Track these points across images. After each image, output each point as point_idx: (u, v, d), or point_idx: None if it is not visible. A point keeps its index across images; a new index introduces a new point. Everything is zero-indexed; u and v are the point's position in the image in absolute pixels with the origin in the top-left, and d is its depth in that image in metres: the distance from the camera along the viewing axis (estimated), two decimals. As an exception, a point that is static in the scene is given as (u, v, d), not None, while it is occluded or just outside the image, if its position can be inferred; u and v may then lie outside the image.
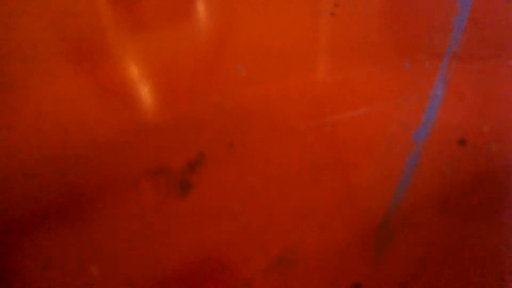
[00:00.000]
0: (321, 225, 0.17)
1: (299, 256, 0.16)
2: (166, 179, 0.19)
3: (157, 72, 0.25)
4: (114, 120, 0.22)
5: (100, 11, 0.30)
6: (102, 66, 0.25)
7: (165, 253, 0.16)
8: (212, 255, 0.16)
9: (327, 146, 0.20)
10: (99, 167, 0.20)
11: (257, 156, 0.20)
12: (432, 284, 0.16)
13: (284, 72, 0.25)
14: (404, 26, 0.29)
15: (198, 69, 0.25)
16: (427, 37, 0.28)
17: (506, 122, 0.22)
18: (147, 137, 0.21)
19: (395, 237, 0.17)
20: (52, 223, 0.17)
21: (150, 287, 0.15)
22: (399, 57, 0.26)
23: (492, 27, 0.29)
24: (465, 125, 0.22)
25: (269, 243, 0.17)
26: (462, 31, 0.28)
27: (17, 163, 0.20)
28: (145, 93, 0.24)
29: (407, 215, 0.18)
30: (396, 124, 0.22)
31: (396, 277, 0.16)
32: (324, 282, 0.15)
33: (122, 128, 0.21)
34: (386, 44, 0.27)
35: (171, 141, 0.21)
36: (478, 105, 0.23)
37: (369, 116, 0.22)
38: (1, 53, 0.26)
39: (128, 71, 0.25)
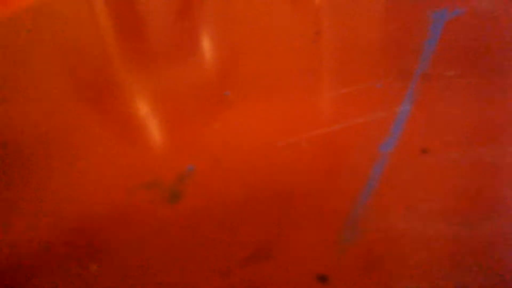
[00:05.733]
0: (293, 225, 0.20)
1: (272, 251, 0.19)
2: (158, 191, 0.22)
3: (154, 101, 0.28)
4: (114, 142, 0.25)
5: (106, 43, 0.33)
6: (106, 96, 0.28)
7: (157, 252, 0.19)
8: (197, 253, 0.19)
9: (302, 159, 0.23)
10: (101, 185, 0.22)
11: (240, 169, 0.23)
12: (391, 269, 0.18)
13: (266, 95, 0.28)
14: (378, 51, 0.32)
15: (190, 95, 0.28)
16: (399, 60, 0.31)
17: (467, 132, 0.24)
18: (142, 153, 0.24)
19: (359, 233, 0.19)
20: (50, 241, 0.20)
21: (142, 282, 0.18)
22: (373, 78, 0.29)
23: (460, 49, 0.32)
24: (428, 136, 0.24)
25: (247, 241, 0.19)
26: (431, 52, 0.31)
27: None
28: (142, 119, 0.27)
29: (371, 216, 0.20)
30: (365, 137, 0.24)
31: (359, 265, 0.18)
32: (293, 273, 0.18)
33: (120, 149, 0.24)
34: (361, 67, 0.30)
35: (164, 157, 0.23)
36: (442, 118, 0.25)
37: (341, 131, 0.25)
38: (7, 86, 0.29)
39: (130, 100, 0.28)
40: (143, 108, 0.27)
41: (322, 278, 0.17)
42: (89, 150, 0.24)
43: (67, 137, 0.25)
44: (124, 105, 0.28)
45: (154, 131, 0.25)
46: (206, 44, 0.34)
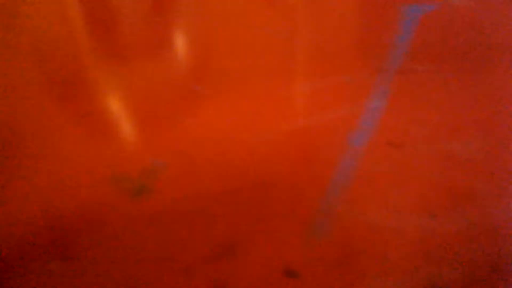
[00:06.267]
0: (259, 218, 0.19)
1: (237, 246, 0.18)
2: (124, 185, 0.21)
3: (122, 96, 0.27)
4: (85, 138, 0.24)
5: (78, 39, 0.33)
6: (75, 89, 0.28)
7: (123, 248, 0.18)
8: (160, 249, 0.18)
9: (273, 154, 0.23)
10: (68, 183, 0.22)
11: (209, 164, 0.22)
12: (361, 262, 0.18)
13: (238, 89, 0.27)
14: (350, 46, 0.32)
15: (160, 90, 0.28)
16: (371, 54, 0.31)
17: (439, 126, 0.24)
18: (110, 147, 0.23)
19: (328, 225, 0.19)
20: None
21: (107, 277, 0.17)
22: (344, 73, 0.29)
23: (431, 46, 0.32)
24: (400, 130, 0.24)
25: (210, 237, 0.19)
26: (405, 48, 0.31)
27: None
28: (110, 113, 0.26)
29: (342, 209, 0.20)
30: (336, 131, 0.24)
31: (329, 260, 0.18)
32: (260, 269, 0.17)
33: (91, 145, 0.24)
34: (334, 62, 0.30)
35: (132, 152, 0.23)
36: (413, 113, 0.25)
37: (312, 125, 0.24)
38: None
39: (97, 96, 0.27)
40: (112, 102, 0.27)
41: (291, 274, 0.17)
42: (55, 144, 0.24)
43: (32, 131, 0.24)
44: (93, 99, 0.27)
45: (122, 125, 0.25)
46: (178, 39, 0.33)
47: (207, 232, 0.19)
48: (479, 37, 0.33)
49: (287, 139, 0.23)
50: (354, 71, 0.29)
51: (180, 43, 0.33)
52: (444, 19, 0.35)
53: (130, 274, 0.17)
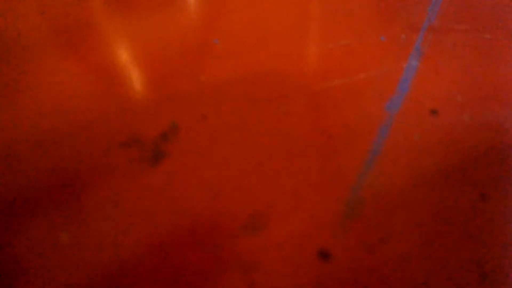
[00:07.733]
0: (291, 192, 0.17)
1: (267, 222, 0.16)
2: (138, 149, 0.19)
3: (134, 47, 0.25)
4: (93, 96, 0.22)
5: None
6: (83, 43, 0.25)
7: (136, 219, 0.17)
8: (181, 221, 0.16)
9: (300, 116, 0.21)
10: (75, 143, 0.20)
11: (230, 125, 0.20)
12: (400, 246, 0.16)
13: (260, 45, 0.25)
14: (382, 1, 0.29)
15: (175, 44, 0.25)
16: (404, 11, 0.28)
17: (479, 92, 0.22)
18: (120, 107, 0.21)
19: (364, 202, 0.17)
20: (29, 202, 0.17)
21: (120, 253, 0.16)
22: (376, 30, 0.26)
23: (470, 1, 0.29)
24: (438, 95, 0.22)
25: (238, 210, 0.17)
26: (439, 4, 0.29)
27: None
28: (121, 68, 0.24)
29: (377, 182, 0.18)
30: (369, 95, 0.22)
31: (364, 241, 0.16)
32: (290, 248, 0.16)
33: (101, 104, 0.21)
34: (363, 18, 0.27)
35: (145, 113, 0.21)
36: (452, 76, 0.23)
37: (342, 87, 0.22)
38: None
39: (106, 47, 0.25)
40: (122, 57, 0.24)
41: (324, 255, 0.15)
42: (60, 103, 0.21)
43: (35, 88, 0.22)
44: (101, 53, 0.24)
45: (134, 82, 0.23)
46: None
47: (232, 204, 0.17)
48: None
49: (315, 103, 0.21)
50: (386, 28, 0.26)
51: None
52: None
53: (147, 250, 0.16)
